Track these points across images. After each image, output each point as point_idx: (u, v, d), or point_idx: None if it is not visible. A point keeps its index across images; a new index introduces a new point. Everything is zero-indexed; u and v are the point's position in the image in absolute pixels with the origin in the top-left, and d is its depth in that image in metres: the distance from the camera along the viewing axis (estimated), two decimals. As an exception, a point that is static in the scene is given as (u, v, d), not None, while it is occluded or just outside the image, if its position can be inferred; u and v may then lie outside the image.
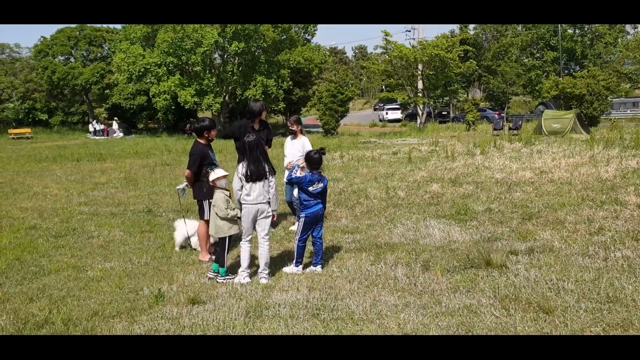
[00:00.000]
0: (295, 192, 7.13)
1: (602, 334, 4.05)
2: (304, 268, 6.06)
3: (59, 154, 23.42)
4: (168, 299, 5.23)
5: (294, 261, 6.06)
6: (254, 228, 5.79)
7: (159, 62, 34.44)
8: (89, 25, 47.27)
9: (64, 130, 47.45)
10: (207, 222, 6.64)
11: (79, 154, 22.95)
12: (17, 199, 11.75)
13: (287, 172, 6.76)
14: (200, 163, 6.52)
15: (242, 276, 5.74)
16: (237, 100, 38.26)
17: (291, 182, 6.62)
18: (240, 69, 35.48)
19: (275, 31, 34.51)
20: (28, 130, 42.40)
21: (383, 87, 52.42)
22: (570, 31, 45.11)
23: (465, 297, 4.89)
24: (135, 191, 12.37)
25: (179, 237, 7.16)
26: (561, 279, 5.17)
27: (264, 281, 5.69)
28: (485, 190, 10.09)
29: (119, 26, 43.60)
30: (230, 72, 35.33)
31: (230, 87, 36.40)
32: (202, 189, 6.54)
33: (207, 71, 35.18)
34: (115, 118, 43.82)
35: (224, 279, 5.78)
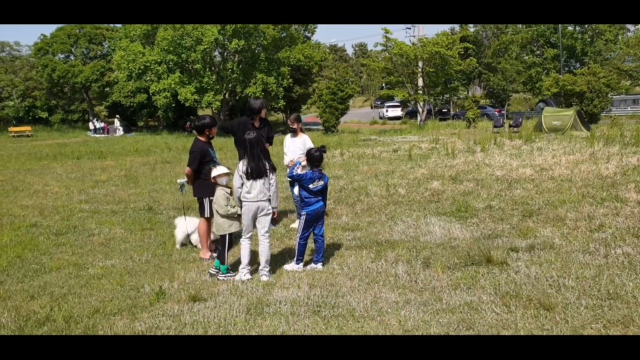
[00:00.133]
0: (296, 189, 7.14)
1: (602, 330, 4.05)
2: (304, 265, 6.06)
3: (59, 151, 23.43)
4: (169, 297, 5.23)
5: (295, 259, 6.07)
6: (254, 226, 5.79)
7: (159, 60, 34.43)
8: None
9: (64, 128, 47.49)
10: (208, 219, 6.65)
11: (79, 151, 22.97)
12: (18, 196, 11.75)
13: (288, 170, 6.77)
14: (201, 161, 6.52)
15: (243, 273, 5.75)
16: (237, 97, 38.24)
17: (293, 179, 6.63)
18: (240, 66, 35.46)
19: (275, 29, 34.49)
20: (28, 128, 42.39)
21: (383, 84, 52.41)
22: (570, 28, 45.04)
23: (466, 294, 4.89)
24: (135, 189, 12.38)
25: (179, 234, 7.17)
26: (562, 275, 5.17)
27: (264, 278, 5.69)
28: (485, 187, 10.10)
29: (119, 24, 43.58)
30: (230, 70, 35.31)
31: (230, 85, 36.38)
32: (202, 187, 6.54)
33: (207, 69, 35.17)
34: (117, 116, 43.78)
35: (225, 276, 5.79)
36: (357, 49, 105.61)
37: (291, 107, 43.77)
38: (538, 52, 46.92)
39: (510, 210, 8.20)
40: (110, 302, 5.15)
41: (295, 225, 7.67)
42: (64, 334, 4.46)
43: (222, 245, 5.93)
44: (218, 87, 35.24)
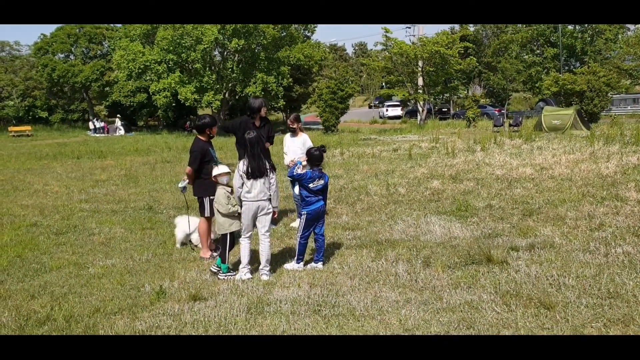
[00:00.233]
0: (297, 189, 7.14)
1: (602, 329, 4.06)
2: (304, 265, 6.06)
3: (59, 151, 23.42)
4: (169, 296, 5.24)
5: (295, 258, 6.07)
6: (254, 225, 5.79)
7: (158, 60, 34.40)
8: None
9: (64, 127, 47.46)
10: (208, 219, 6.65)
11: (79, 151, 22.96)
12: (18, 196, 11.75)
13: (289, 170, 6.77)
14: (201, 160, 6.52)
15: (243, 272, 5.75)
16: (237, 97, 38.23)
17: (293, 179, 6.63)
18: (240, 66, 35.43)
19: (275, 28, 34.46)
20: (28, 127, 42.36)
21: (383, 84, 52.40)
22: (570, 27, 45.00)
23: (466, 293, 4.90)
24: (135, 188, 12.38)
25: (179, 234, 7.17)
26: (562, 274, 5.17)
27: (265, 278, 5.69)
28: (485, 186, 10.10)
29: (119, 24, 43.56)
30: (230, 69, 35.29)
31: (230, 84, 36.36)
32: (202, 186, 6.55)
33: (207, 68, 35.15)
34: (119, 115, 43.77)
35: (225, 276, 5.79)
36: (357, 48, 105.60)
37: (291, 107, 43.76)
38: (538, 51, 46.89)
39: (510, 209, 8.20)
40: (111, 302, 5.15)
41: (295, 224, 7.68)
42: (64, 333, 4.47)
43: (222, 245, 5.94)
44: (218, 86, 35.22)
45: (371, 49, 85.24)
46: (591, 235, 6.54)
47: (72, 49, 48.56)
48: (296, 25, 37.94)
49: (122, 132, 40.86)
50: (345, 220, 8.24)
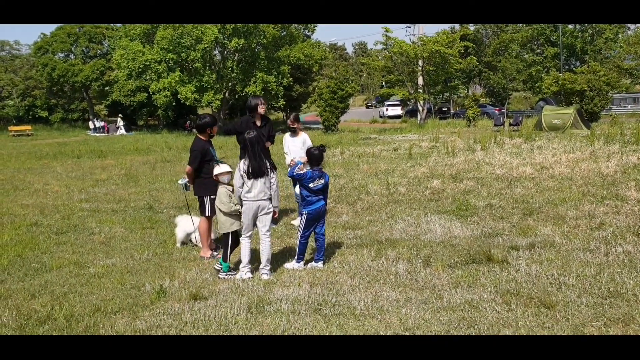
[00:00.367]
0: (297, 189, 7.14)
1: (603, 328, 4.06)
2: (305, 264, 6.07)
3: (59, 151, 23.43)
4: (170, 295, 5.24)
5: (296, 257, 6.07)
6: (255, 224, 5.79)
7: (158, 59, 34.41)
8: (88, 22, 47.17)
9: (64, 127, 47.46)
10: (208, 218, 6.66)
11: (79, 150, 22.97)
12: (18, 196, 11.75)
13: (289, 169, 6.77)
14: (201, 159, 6.52)
15: (244, 272, 5.75)
16: (237, 96, 38.23)
17: (293, 179, 6.63)
18: (240, 65, 35.44)
19: (275, 28, 34.46)
20: (28, 127, 42.35)
21: (383, 83, 52.40)
22: (570, 27, 44.99)
23: (467, 292, 4.90)
24: (135, 188, 12.38)
25: (180, 233, 7.17)
26: (562, 274, 5.18)
27: (265, 277, 5.70)
28: (486, 186, 10.10)
29: (119, 24, 43.54)
30: (230, 69, 35.29)
31: (230, 84, 36.37)
32: (202, 185, 6.55)
33: (207, 68, 35.15)
34: (120, 115, 43.76)
35: (226, 275, 5.79)
36: (357, 47, 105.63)
37: (291, 106, 43.77)
38: (538, 50, 46.91)
39: (510, 208, 8.20)
40: (111, 301, 5.15)
41: (295, 222, 7.68)
42: (65, 332, 4.47)
43: (224, 244, 5.94)
44: (218, 86, 35.22)
45: (371, 49, 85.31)
46: (591, 234, 6.55)
47: (72, 48, 48.57)
48: (296, 25, 37.94)
49: (122, 131, 40.87)
50: (345, 219, 8.25)
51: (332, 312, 4.64)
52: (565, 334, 4.01)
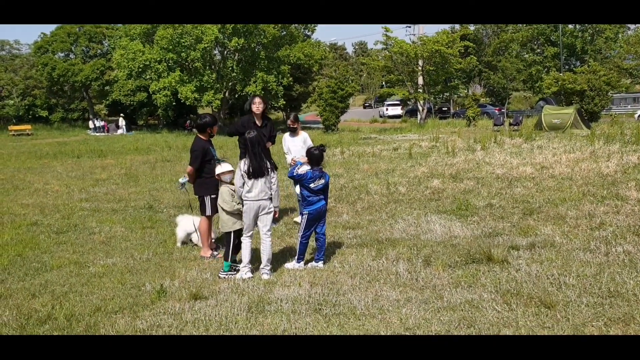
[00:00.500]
0: (297, 188, 7.14)
1: (603, 328, 4.06)
2: (305, 264, 6.07)
3: (59, 150, 23.43)
4: (170, 295, 5.24)
5: (296, 257, 6.07)
6: (255, 224, 5.79)
7: (158, 59, 34.41)
8: (88, 21, 47.12)
9: (64, 126, 47.45)
10: (209, 218, 6.66)
11: (79, 150, 22.97)
12: (18, 195, 11.76)
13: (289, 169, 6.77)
14: (202, 159, 6.52)
15: (244, 272, 5.76)
16: (237, 96, 38.24)
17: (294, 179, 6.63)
18: (240, 65, 35.44)
19: (275, 27, 34.46)
20: (28, 127, 42.34)
21: (383, 83, 52.41)
22: (570, 27, 44.98)
23: (467, 292, 4.90)
24: (136, 187, 12.39)
25: (180, 232, 7.17)
26: (562, 273, 5.18)
27: (266, 277, 5.70)
28: (486, 185, 10.10)
29: (119, 24, 43.52)
30: (230, 68, 35.30)
31: (230, 84, 36.37)
32: (203, 185, 6.55)
33: (207, 67, 35.15)
34: (122, 114, 43.74)
35: (226, 274, 5.80)
36: (357, 47, 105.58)
37: (291, 106, 43.76)
38: (538, 50, 46.90)
39: (510, 208, 8.21)
40: (112, 301, 5.15)
41: (298, 219, 7.68)
42: (65, 332, 4.47)
43: (227, 243, 5.94)
44: (218, 85, 35.22)
45: (371, 48, 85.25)
46: (592, 234, 6.55)
47: (72, 47, 48.55)
48: (296, 25, 37.95)
49: (122, 131, 40.86)
50: (345, 219, 8.25)
51: (332, 311, 4.64)
52: (565, 333, 4.01)
